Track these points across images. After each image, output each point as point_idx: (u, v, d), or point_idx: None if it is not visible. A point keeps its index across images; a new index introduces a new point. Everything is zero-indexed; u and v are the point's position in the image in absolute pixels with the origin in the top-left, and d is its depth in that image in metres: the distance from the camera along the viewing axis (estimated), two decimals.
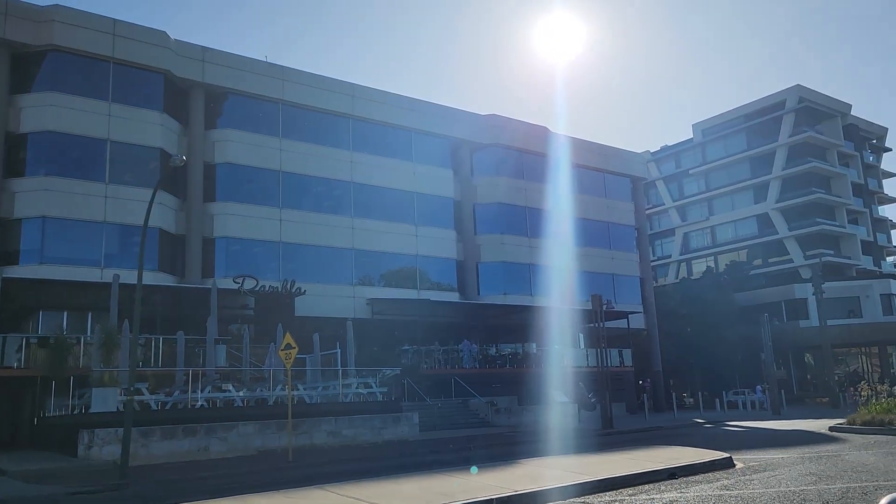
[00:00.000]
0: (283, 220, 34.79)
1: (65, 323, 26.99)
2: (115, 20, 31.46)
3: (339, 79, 41.34)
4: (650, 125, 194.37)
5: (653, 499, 9.05)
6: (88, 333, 25.47)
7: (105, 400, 20.74)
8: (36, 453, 22.01)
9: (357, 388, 26.19)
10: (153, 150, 31.76)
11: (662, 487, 10.09)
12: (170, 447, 20.01)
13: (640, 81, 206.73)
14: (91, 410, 20.82)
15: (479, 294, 40.85)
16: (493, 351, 38.98)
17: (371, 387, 26.54)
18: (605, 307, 31.31)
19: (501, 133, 42.86)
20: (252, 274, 29.96)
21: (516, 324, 40.09)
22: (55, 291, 27.62)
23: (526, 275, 41.61)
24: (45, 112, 29.71)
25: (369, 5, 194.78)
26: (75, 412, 21.89)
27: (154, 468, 17.60)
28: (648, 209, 65.39)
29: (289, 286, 30.80)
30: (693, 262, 70.62)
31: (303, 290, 31.17)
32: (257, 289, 29.64)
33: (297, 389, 24.55)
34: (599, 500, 9.17)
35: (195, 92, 33.91)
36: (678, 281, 63.42)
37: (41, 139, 29.76)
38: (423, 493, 9.51)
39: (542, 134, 44.52)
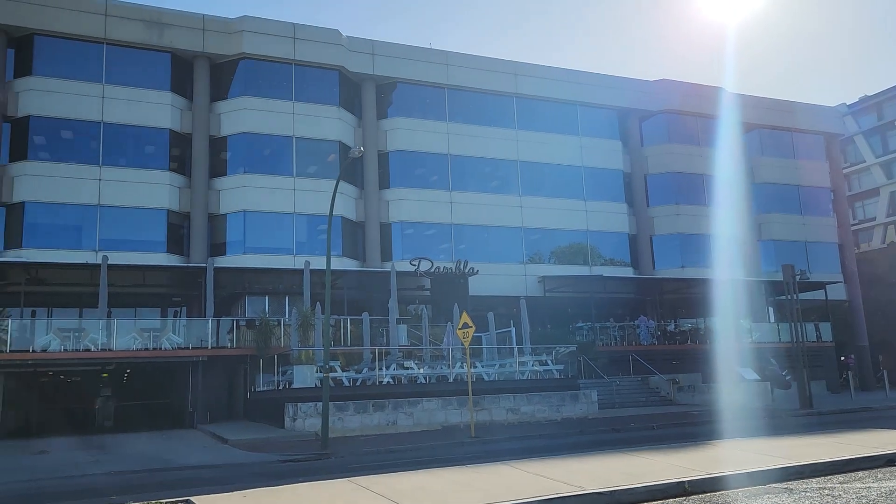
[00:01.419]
0: (452, 202, 35.58)
1: (266, 306, 29.62)
2: (294, 24, 33.72)
3: (502, 58, 41.32)
4: (843, 76, 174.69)
5: (869, 487, 8.19)
6: (286, 316, 27.74)
7: (304, 376, 22.53)
8: (250, 424, 24.46)
9: (533, 365, 26.30)
10: (332, 143, 33.78)
11: (879, 475, 9.11)
12: (362, 421, 21.37)
13: (824, 33, 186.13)
14: (293, 386, 22.73)
15: (654, 268, 39.32)
16: (671, 326, 37.37)
17: (547, 364, 26.52)
18: (798, 277, 28.78)
19: (672, 98, 40.68)
20: (426, 256, 31.02)
21: (696, 298, 38.04)
22: (256, 278, 30.40)
23: (705, 246, 39.31)
24: (240, 116, 32.62)
25: None
26: (280, 387, 24.01)
27: (349, 440, 18.85)
28: (846, 168, 58.91)
29: (462, 266, 31.52)
30: None
31: (475, 270, 31.75)
32: (432, 270, 30.63)
33: (476, 367, 25.11)
34: (805, 486, 8.47)
35: (366, 84, 35.52)
36: (885, 246, 56.72)
37: (239, 140, 32.74)
38: (608, 472, 9.33)
39: (716, 95, 41.61)
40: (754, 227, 41.14)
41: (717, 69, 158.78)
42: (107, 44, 30.99)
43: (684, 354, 34.34)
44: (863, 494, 7.82)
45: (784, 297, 28.51)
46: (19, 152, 29.74)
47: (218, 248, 31.70)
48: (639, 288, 38.66)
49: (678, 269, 38.51)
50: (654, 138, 41.07)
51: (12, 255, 28.14)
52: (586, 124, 39.52)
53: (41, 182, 29.25)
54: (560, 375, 26.50)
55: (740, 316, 34.08)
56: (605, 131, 40.12)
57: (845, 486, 8.46)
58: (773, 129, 43.47)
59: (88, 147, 30.31)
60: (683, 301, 39.28)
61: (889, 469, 9.66)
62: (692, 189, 40.50)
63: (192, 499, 8.07)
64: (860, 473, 9.37)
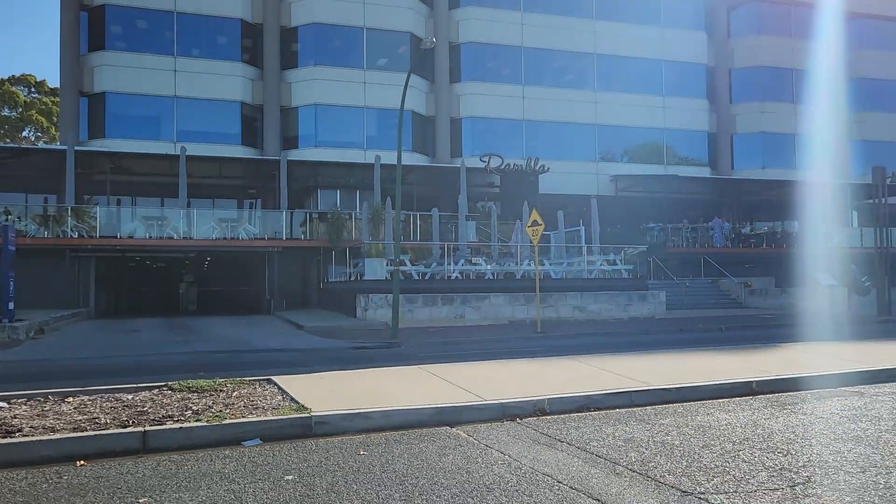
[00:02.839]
0: (525, 97, 34.67)
1: (338, 200, 30.25)
2: None
3: None
4: None
5: None
6: (357, 210, 28.29)
7: (374, 269, 23.16)
8: (323, 312, 25.57)
9: (601, 264, 26.21)
10: (403, 34, 33.04)
11: None
12: (430, 313, 22.01)
13: None
14: (364, 278, 23.46)
15: (732, 168, 37.83)
16: (747, 229, 36.28)
17: (615, 263, 26.38)
18: (889, 180, 27.19)
19: None
20: (497, 153, 30.66)
21: (775, 200, 36.63)
22: (328, 171, 30.87)
23: (789, 146, 37.39)
24: (310, 4, 32.18)
25: None
26: (352, 279, 24.85)
27: (418, 331, 19.53)
28: None
29: (532, 164, 31.09)
30: None
31: (546, 168, 31.29)
32: (502, 167, 30.35)
33: (543, 265, 25.21)
34: (878, 391, 8.36)
35: None
36: None
37: (309, 31, 32.42)
38: (673, 369, 9.42)
39: None
40: (847, 126, 38.66)
41: None
42: None
43: (758, 258, 33.49)
44: None
45: (871, 201, 27.09)
46: (97, 42, 30.39)
47: (290, 142, 32.18)
48: (715, 189, 37.41)
49: (759, 169, 36.91)
50: (742, 29, 38.43)
51: (97, 145, 29.36)
52: (669, 14, 37.22)
53: (120, 72, 29.96)
54: (628, 275, 26.39)
55: (822, 220, 32.69)
56: (688, 21, 37.73)
57: None
58: (875, 18, 39.88)
59: (163, 37, 30.68)
60: (762, 203, 37.90)
61: None
62: (780, 85, 38.12)
63: (274, 378, 8.61)
64: None
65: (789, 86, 38.22)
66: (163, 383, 8.21)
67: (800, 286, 29.21)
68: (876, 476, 4.87)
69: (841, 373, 9.32)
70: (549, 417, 7.12)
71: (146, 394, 7.77)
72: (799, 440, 5.97)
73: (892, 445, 5.71)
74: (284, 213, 27.93)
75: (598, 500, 4.47)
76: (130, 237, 26.45)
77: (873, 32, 40.00)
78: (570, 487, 4.75)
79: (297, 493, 4.70)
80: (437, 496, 4.59)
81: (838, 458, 5.38)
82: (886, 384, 8.93)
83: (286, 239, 27.75)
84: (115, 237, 26.29)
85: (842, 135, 38.20)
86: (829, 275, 28.37)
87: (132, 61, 30.10)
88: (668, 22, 37.17)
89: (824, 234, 32.95)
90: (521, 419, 7.03)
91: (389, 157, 25.48)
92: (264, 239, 27.70)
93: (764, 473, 4.99)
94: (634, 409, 7.51)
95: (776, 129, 37.81)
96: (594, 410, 7.43)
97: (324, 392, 7.76)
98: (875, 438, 5.98)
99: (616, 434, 6.31)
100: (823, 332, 16.46)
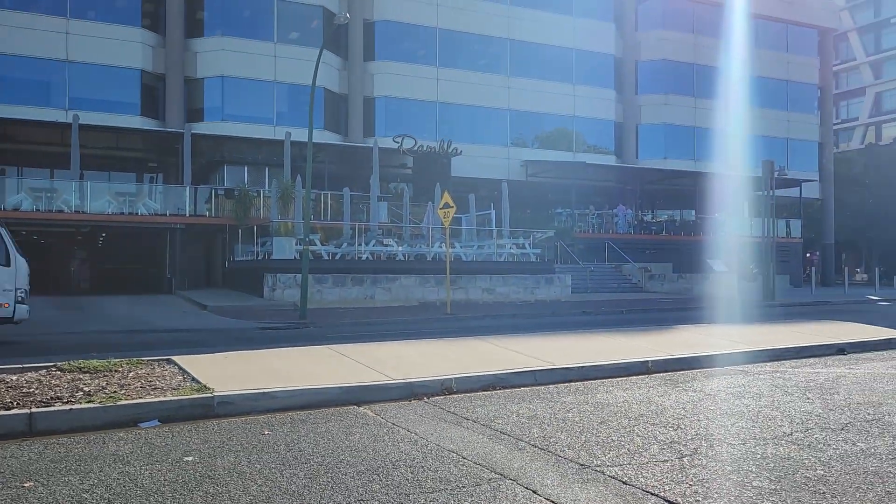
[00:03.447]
0: (439, 79, 34.69)
1: (246, 177, 29.37)
2: None
3: None
4: None
5: (818, 372, 8.72)
6: (266, 187, 27.59)
7: (283, 248, 22.73)
8: (228, 292, 24.88)
9: (510, 248, 26.75)
10: (316, 7, 32.28)
11: (829, 362, 9.66)
12: (340, 294, 21.84)
13: None
14: (272, 257, 22.98)
15: (637, 158, 39.32)
16: (649, 217, 37.91)
17: (524, 248, 26.98)
18: (776, 174, 29.04)
19: None
20: (410, 134, 30.59)
21: (676, 190, 38.45)
22: (236, 147, 29.91)
23: (689, 138, 39.25)
24: None
25: None
26: (259, 258, 24.28)
27: (327, 311, 19.34)
28: (836, 65, 58.00)
29: (445, 146, 31.23)
30: (884, 125, 62.93)
31: (459, 151, 31.50)
32: (415, 148, 30.34)
33: (454, 247, 25.46)
34: (760, 369, 8.97)
35: None
36: (864, 147, 57.11)
37: None
38: (576, 350, 9.77)
39: None
40: (741, 121, 40.90)
41: None
42: None
43: (658, 245, 35.08)
44: (811, 378, 8.32)
45: (761, 193, 28.88)
46: None
47: (195, 114, 30.89)
48: (620, 176, 38.80)
49: (661, 160, 38.54)
50: (649, 23, 39.84)
51: None
52: (581, 3, 38.09)
53: (7, 32, 27.80)
54: (536, 259, 27.06)
55: (717, 210, 34.60)
56: (599, 12, 38.75)
57: (796, 370, 8.98)
58: (769, 20, 42.28)
59: None
60: (663, 192, 39.66)
61: (838, 357, 10.23)
62: (683, 79, 39.84)
63: (174, 358, 8.33)
64: (811, 360, 9.92)
65: (691, 80, 40.00)
66: (51, 364, 7.78)
67: (695, 272, 30.89)
68: (754, 447, 5.24)
69: (728, 353, 9.94)
70: (456, 396, 7.23)
71: (32, 374, 7.34)
72: (688, 415, 6.33)
73: (769, 420, 6.16)
74: (188, 188, 26.89)
75: (501, 475, 4.60)
76: (16, 209, 24.79)
77: (766, 32, 42.37)
78: (475, 463, 4.86)
79: (198, 474, 4.59)
80: (342, 474, 4.60)
81: (722, 431, 5.76)
82: (768, 363, 9.60)
83: (190, 216, 26.75)
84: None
85: (737, 129, 40.36)
86: (721, 262, 30.13)
87: (20, 21, 27.99)
88: (580, 12, 38.03)
89: (719, 223, 34.92)
90: (428, 398, 7.11)
91: (301, 135, 24.93)
92: (166, 215, 26.60)
93: (656, 446, 5.27)
94: (538, 387, 7.75)
95: (678, 121, 39.54)
96: (500, 389, 7.61)
97: (227, 372, 7.58)
98: (755, 413, 6.43)
99: (520, 412, 6.49)
100: (715, 316, 17.47)
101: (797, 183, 38.52)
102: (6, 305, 12.06)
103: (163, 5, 30.69)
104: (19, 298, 12.30)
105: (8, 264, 12.26)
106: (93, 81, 29.12)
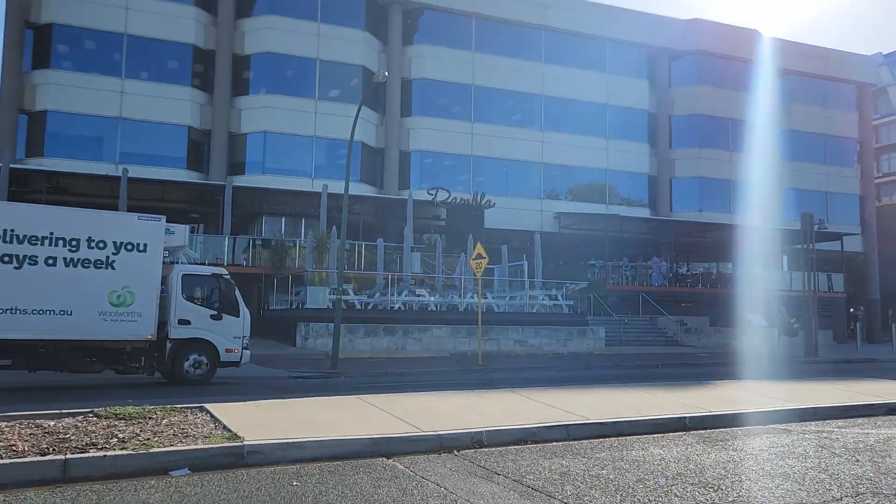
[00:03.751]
0: (473, 133, 35.14)
1: (283, 228, 29.82)
2: None
3: None
4: (881, 24, 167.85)
5: (867, 433, 8.31)
6: (302, 237, 27.95)
7: (317, 297, 22.85)
8: (262, 340, 24.95)
9: (543, 299, 26.50)
10: (356, 67, 33.19)
11: (879, 423, 9.22)
12: (372, 343, 21.76)
13: None
14: (306, 306, 23.08)
15: (671, 210, 39.02)
16: (684, 269, 37.33)
17: (557, 299, 26.70)
18: (816, 227, 28.46)
19: (703, 38, 39.41)
20: (444, 186, 30.86)
21: (711, 242, 37.87)
22: (274, 199, 30.49)
23: (724, 191, 38.90)
24: (264, 34, 32.07)
25: None
26: (293, 307, 24.41)
27: (359, 361, 19.24)
28: (876, 119, 57.22)
29: (479, 198, 31.39)
30: None
31: (492, 203, 31.62)
32: (449, 200, 30.56)
33: (486, 298, 25.32)
34: (803, 429, 8.60)
35: (393, 9, 34.63)
36: None
37: (262, 60, 32.30)
38: (611, 404, 9.50)
39: (750, 37, 40.23)
40: (777, 174, 40.45)
41: (751, 10, 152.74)
42: None
43: (694, 297, 34.43)
44: (860, 439, 7.93)
45: (800, 246, 28.27)
46: (42, 60, 29.53)
47: (237, 168, 31.71)
48: (654, 229, 38.46)
49: (696, 212, 38.18)
50: (682, 79, 40.03)
51: (34, 164, 28.32)
52: (614, 61, 38.50)
53: (64, 91, 29.12)
54: (569, 311, 26.72)
55: (755, 263, 33.90)
56: (632, 69, 39.11)
57: (843, 430, 8.58)
58: (804, 75, 42.18)
59: (111, 59, 30.03)
60: (698, 245, 39.10)
61: (889, 417, 9.77)
62: (717, 133, 39.72)
63: (207, 406, 8.32)
64: (860, 420, 9.48)
65: (725, 134, 39.85)
66: (88, 410, 7.83)
67: (733, 326, 30.11)
68: None
69: (770, 411, 9.56)
70: (486, 449, 7.06)
71: (70, 420, 7.39)
72: (729, 476, 6.06)
73: (816, 482, 5.86)
74: (227, 238, 27.37)
75: None
76: None
77: (800, 88, 42.20)
78: None
79: None
80: None
81: (766, 494, 5.48)
82: (812, 422, 9.20)
83: (228, 264, 27.11)
84: None
85: (773, 182, 39.88)
86: (760, 316, 29.38)
87: (77, 81, 29.32)
88: (613, 69, 38.44)
89: (756, 277, 34.17)
90: (458, 451, 6.94)
91: (337, 187, 25.28)
92: (205, 264, 26.99)
93: None
94: (571, 442, 7.52)
95: (712, 174, 39.27)
96: (532, 443, 7.41)
97: (258, 420, 7.53)
98: (801, 475, 6.12)
99: (552, 467, 6.29)
100: (754, 372, 16.93)
101: (838, 236, 37.68)
102: (235, 351, 13.94)
103: (212, 65, 31.91)
104: (245, 345, 14.18)
105: (238, 315, 14.13)
106: (143, 137, 30.18)
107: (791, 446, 7.46)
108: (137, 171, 27.35)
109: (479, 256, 19.68)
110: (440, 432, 7.23)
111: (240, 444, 6.37)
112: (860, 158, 44.52)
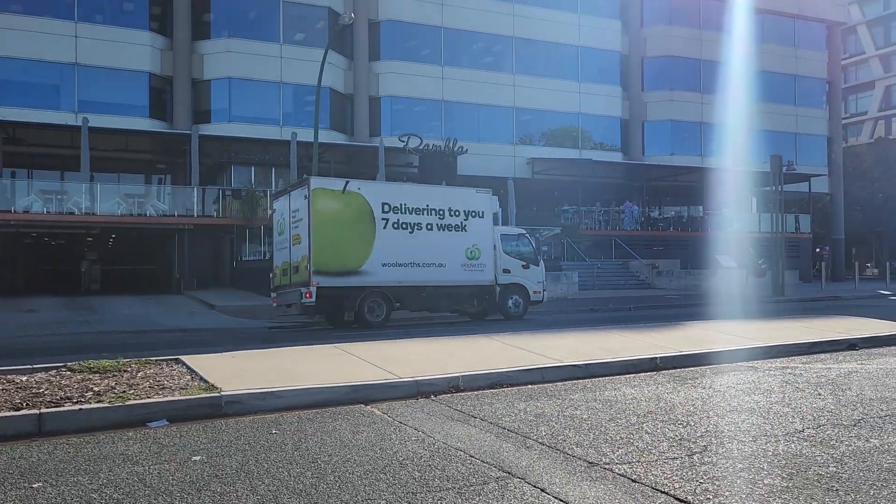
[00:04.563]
0: (444, 78, 34.65)
1: (252, 177, 29.39)
2: None
3: None
4: None
5: (829, 368, 8.63)
6: (273, 187, 27.60)
7: None
8: (235, 292, 24.93)
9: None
10: (321, 8, 32.28)
11: (840, 358, 9.57)
12: None
13: None
14: None
15: (643, 154, 39.19)
16: (656, 213, 37.76)
17: None
18: (785, 169, 28.85)
19: None
20: (416, 133, 30.53)
21: (683, 186, 38.29)
22: (242, 148, 29.97)
23: (696, 134, 39.10)
24: None
25: None
26: (267, 258, 24.26)
27: None
28: (844, 59, 57.54)
29: (451, 145, 31.14)
30: (894, 119, 62.47)
31: (465, 149, 31.42)
32: (421, 147, 30.28)
33: None
34: (769, 366, 8.89)
35: None
36: (873, 141, 56.74)
37: (222, 1, 31.14)
38: (584, 347, 9.71)
39: None
40: (747, 116, 40.68)
41: None
42: None
43: (666, 241, 34.94)
44: (822, 374, 8.24)
45: (769, 188, 28.70)
46: None
47: (203, 116, 30.98)
48: (627, 173, 38.68)
49: (668, 156, 38.39)
50: (655, 18, 39.68)
51: None
52: (586, 1, 37.94)
53: (13, 36, 27.90)
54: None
55: (725, 205, 34.40)
56: (605, 10, 38.65)
57: (807, 366, 8.90)
58: (776, 14, 42.04)
59: (62, 0, 28.75)
60: (670, 189, 39.50)
61: (850, 353, 10.13)
62: (688, 75, 39.67)
63: (183, 357, 8.32)
64: (822, 356, 9.82)
65: (697, 76, 39.82)
66: (61, 364, 7.79)
67: (704, 268, 30.72)
68: (766, 444, 5.18)
69: (737, 349, 9.85)
70: (463, 394, 7.20)
71: (42, 375, 7.35)
72: (698, 412, 6.27)
73: (780, 416, 6.10)
74: (196, 189, 26.95)
75: (509, 473, 4.56)
76: (27, 211, 24.88)
77: (772, 27, 42.13)
78: (482, 461, 4.82)
79: (206, 474, 4.57)
80: (349, 472, 4.57)
81: (733, 429, 5.70)
82: (777, 359, 9.52)
83: (198, 216, 26.81)
84: (10, 211, 24.67)
85: (744, 124, 40.12)
86: (729, 258, 29.97)
87: (28, 24, 28.10)
88: (585, 9, 37.91)
89: (727, 220, 34.75)
90: (435, 396, 7.08)
91: (307, 135, 24.97)
92: (174, 216, 26.67)
93: (665, 444, 5.22)
94: (546, 385, 7.70)
95: (684, 117, 39.37)
96: (507, 387, 7.57)
97: (235, 371, 7.57)
98: (766, 409, 6.37)
99: (528, 409, 6.45)
100: (724, 312, 17.34)
101: (806, 178, 38.30)
102: (538, 293, 17.93)
103: (170, 8, 30.77)
104: (544, 287, 18.37)
105: (538, 265, 18.20)
106: (102, 84, 29.22)
107: (757, 382, 7.73)
108: (98, 121, 26.60)
109: None
110: (417, 378, 7.35)
111: (217, 394, 6.41)
112: (829, 99, 44.92)
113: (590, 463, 4.77)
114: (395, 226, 15.70)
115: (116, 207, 26.03)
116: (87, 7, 29.05)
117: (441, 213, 16.27)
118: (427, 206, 16.14)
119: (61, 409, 5.87)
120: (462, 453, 5.02)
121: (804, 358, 9.63)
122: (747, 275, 29.26)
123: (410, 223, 15.87)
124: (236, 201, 27.10)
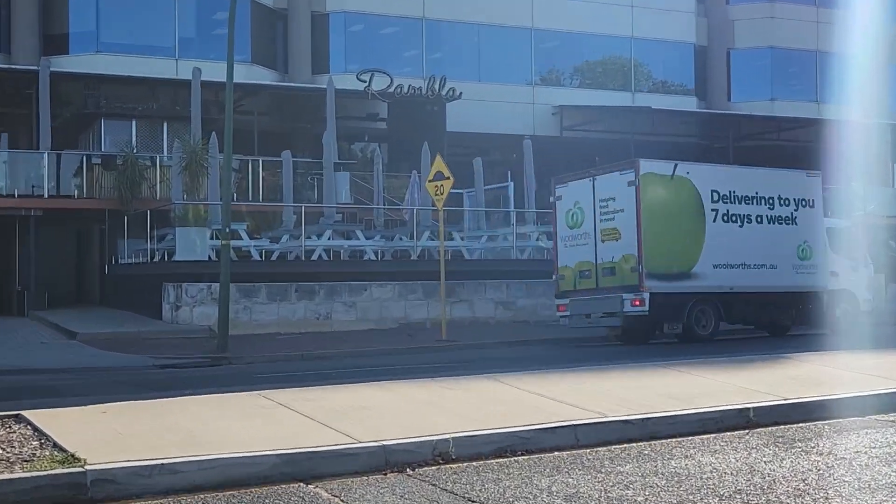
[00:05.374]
0: None
1: (134, 137, 29.28)
2: None
3: None
4: None
5: None
6: (165, 152, 27.56)
7: (192, 244, 22.71)
8: (109, 312, 24.88)
9: (538, 239, 26.73)
10: None
11: None
12: (279, 312, 21.85)
13: None
14: (176, 258, 22.95)
15: (729, 100, 39.44)
16: None
17: None
18: None
19: None
20: (383, 69, 30.51)
21: (788, 147, 38.47)
22: (118, 92, 29.91)
23: (810, 69, 39.33)
24: None
25: None
26: (156, 260, 24.28)
27: (259, 339, 19.42)
28: None
29: (437, 86, 31.16)
30: None
31: (458, 93, 31.44)
32: (392, 90, 30.29)
33: (453, 239, 25.47)
34: None
35: None
36: None
37: None
38: (637, 393, 9.73)
39: None
40: (889, 43, 40.88)
41: None
42: None
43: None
44: None
45: None
46: None
47: (56, 44, 30.94)
48: (704, 128, 38.86)
49: (766, 102, 38.60)
50: None
51: None
52: None
53: None
54: None
55: (852, 176, 34.50)
56: None
57: None
58: None
59: None
60: (769, 150, 39.62)
61: None
62: None
63: (26, 413, 8.31)
64: None
65: None
66: None
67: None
68: None
69: (872, 394, 9.91)
70: (454, 466, 7.21)
71: None
72: (811, 492, 6.32)
73: None
74: (47, 155, 26.85)
75: None
76: None
77: None
78: None
79: None
80: None
81: None
82: None
83: (50, 196, 26.73)
84: None
85: (884, 56, 40.32)
86: (854, 251, 30.04)
87: None
88: None
89: (854, 196, 34.86)
90: (413, 469, 7.09)
91: (216, 72, 24.87)
92: (14, 196, 26.55)
93: None
94: (581, 451, 7.72)
95: (791, 43, 39.52)
96: (521, 454, 7.59)
97: (107, 433, 7.57)
98: None
99: (554, 489, 6.47)
100: (848, 336, 17.46)
101: None
102: (868, 301, 21.66)
103: None
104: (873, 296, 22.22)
105: (867, 266, 22.49)
106: None
107: None
108: None
109: (440, 176, 19.71)
110: (385, 442, 7.35)
111: (79, 469, 6.38)
112: None
113: None
114: (725, 218, 18.64)
115: None
116: None
117: (770, 202, 19.17)
118: (756, 193, 18.98)
119: None
120: None
121: None
122: (886, 281, 29.42)
123: (740, 215, 18.84)
124: (109, 173, 27.00)
